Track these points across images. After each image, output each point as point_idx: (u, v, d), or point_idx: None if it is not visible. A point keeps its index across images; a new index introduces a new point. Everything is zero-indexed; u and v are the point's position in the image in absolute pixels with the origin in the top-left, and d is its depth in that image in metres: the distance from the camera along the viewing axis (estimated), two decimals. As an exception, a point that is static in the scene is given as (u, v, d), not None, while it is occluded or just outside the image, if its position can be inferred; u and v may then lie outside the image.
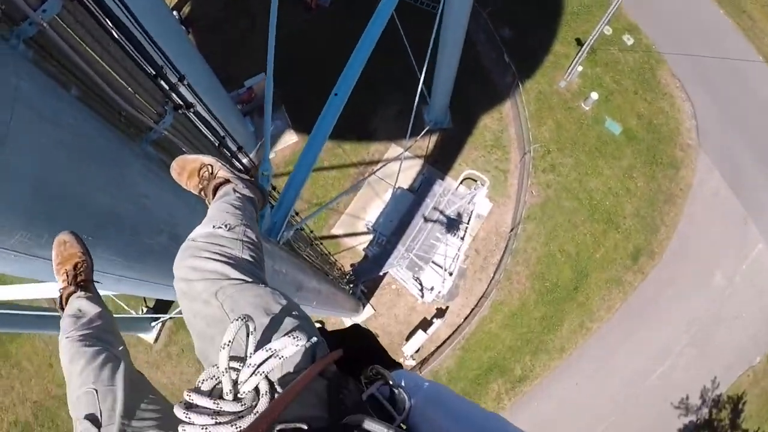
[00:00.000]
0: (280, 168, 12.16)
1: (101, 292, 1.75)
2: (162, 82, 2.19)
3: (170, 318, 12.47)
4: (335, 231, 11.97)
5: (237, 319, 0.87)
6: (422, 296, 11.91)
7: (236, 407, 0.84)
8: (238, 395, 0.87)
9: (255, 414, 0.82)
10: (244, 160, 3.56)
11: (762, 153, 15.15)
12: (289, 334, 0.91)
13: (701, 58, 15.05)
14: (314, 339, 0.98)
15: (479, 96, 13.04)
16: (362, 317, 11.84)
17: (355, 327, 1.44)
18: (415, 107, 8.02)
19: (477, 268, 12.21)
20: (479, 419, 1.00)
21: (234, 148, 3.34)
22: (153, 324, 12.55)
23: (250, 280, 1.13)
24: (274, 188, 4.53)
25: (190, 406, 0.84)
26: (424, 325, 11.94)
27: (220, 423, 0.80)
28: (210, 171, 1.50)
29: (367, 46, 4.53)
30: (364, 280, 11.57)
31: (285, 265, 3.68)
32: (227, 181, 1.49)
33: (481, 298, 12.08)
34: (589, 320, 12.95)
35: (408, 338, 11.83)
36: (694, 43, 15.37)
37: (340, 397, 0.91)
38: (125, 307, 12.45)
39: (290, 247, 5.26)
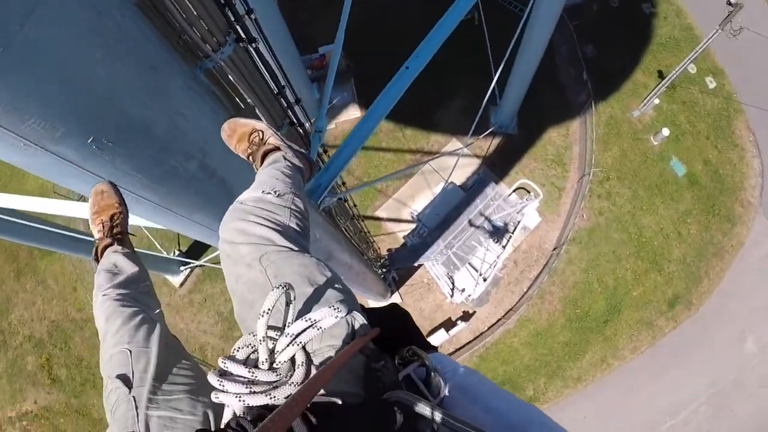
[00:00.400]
0: (338, 140, 12.05)
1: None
2: (229, 12, 2.10)
3: (200, 265, 12.55)
4: (379, 213, 11.85)
5: (278, 287, 0.84)
6: (452, 296, 11.74)
7: (271, 377, 0.82)
8: (274, 365, 0.85)
9: (290, 385, 0.79)
10: (300, 115, 3.42)
11: (826, 227, 14.46)
12: (330, 305, 0.88)
13: (782, 116, 14.38)
14: (355, 314, 0.96)
15: (550, 108, 12.69)
16: (387, 303, 11.72)
17: (394, 306, 1.39)
18: (483, 106, 7.76)
19: (512, 280, 11.96)
20: (512, 411, 0.96)
21: (292, 99, 3.18)
22: (182, 268, 12.67)
23: (296, 248, 1.10)
24: (325, 151, 4.41)
25: (224, 374, 0.81)
26: (448, 325, 11.79)
27: (254, 392, 0.77)
28: (261, 137, 1.45)
29: (448, 26, 4.37)
30: (398, 267, 11.45)
31: (319, 229, 3.61)
32: (277, 148, 1.44)
33: (509, 311, 11.85)
34: (612, 356, 12.61)
35: (429, 335, 11.67)
36: (779, 98, 14.67)
37: (377, 374, 0.89)
38: (158, 246, 12.59)
39: (329, 216, 5.16)
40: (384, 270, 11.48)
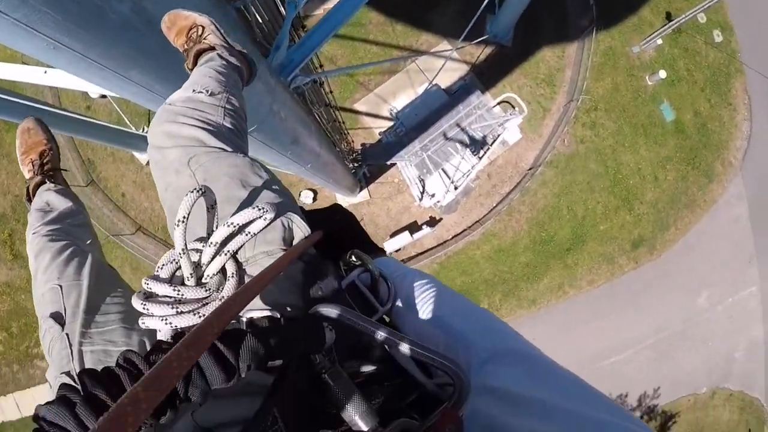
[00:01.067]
0: (327, 23, 11.56)
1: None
2: None
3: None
4: (357, 106, 11.56)
5: (192, 191, 0.75)
6: (421, 199, 11.68)
7: (200, 293, 0.75)
8: (202, 279, 0.78)
9: (221, 300, 0.73)
10: None
11: (800, 196, 14.59)
12: (254, 206, 0.80)
13: (780, 84, 14.15)
14: (291, 215, 0.88)
15: (549, 26, 12.27)
16: (356, 199, 11.66)
17: (336, 207, 1.29)
18: (480, 11, 7.36)
19: (483, 192, 11.92)
20: (463, 314, 0.86)
21: None
22: (151, 143, 12.31)
23: (229, 149, 1.02)
24: (303, 26, 4.09)
25: (149, 296, 0.74)
26: (413, 228, 11.79)
27: (181, 312, 0.71)
28: (199, 33, 1.34)
29: None
30: (370, 163, 11.28)
31: (286, 109, 3.31)
32: (212, 48, 1.34)
33: (476, 223, 11.88)
34: (569, 285, 12.84)
35: (392, 235, 11.69)
36: (782, 65, 14.40)
37: (317, 282, 0.81)
38: (126, 121, 12.18)
39: (302, 99, 4.89)
40: (356, 165, 11.31)
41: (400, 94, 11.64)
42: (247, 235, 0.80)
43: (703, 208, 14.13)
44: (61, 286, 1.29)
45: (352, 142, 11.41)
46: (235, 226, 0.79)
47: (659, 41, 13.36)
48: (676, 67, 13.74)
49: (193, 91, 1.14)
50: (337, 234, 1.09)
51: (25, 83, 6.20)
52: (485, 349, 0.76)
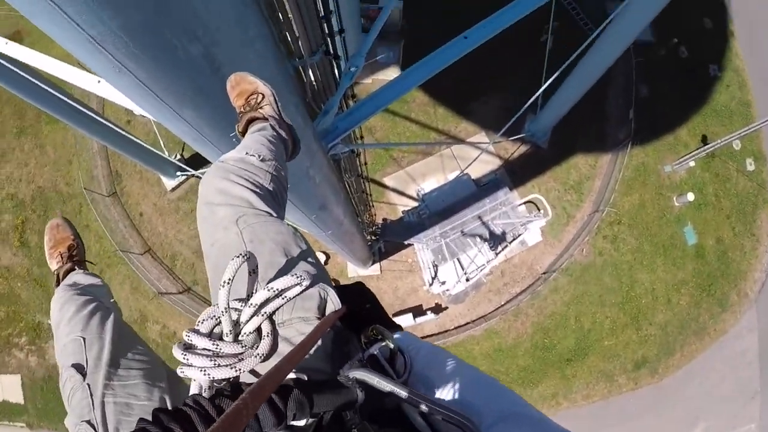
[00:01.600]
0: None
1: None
2: None
3: (195, 175, 12.28)
4: (387, 181, 11.58)
5: (237, 256, 0.83)
6: (431, 285, 11.51)
7: (236, 349, 0.81)
8: (239, 337, 0.84)
9: (256, 356, 0.79)
10: (339, 45, 3.19)
11: (812, 342, 14.27)
12: (293, 274, 0.87)
13: (807, 222, 14.08)
14: (326, 287, 0.95)
15: (587, 134, 12.38)
16: (367, 272, 11.52)
17: (360, 284, 1.40)
18: (522, 111, 7.46)
19: (493, 289, 11.73)
20: (473, 384, 0.94)
21: (336, 28, 2.97)
22: (178, 173, 12.38)
23: (274, 214, 1.10)
24: (353, 96, 4.15)
25: (188, 347, 0.81)
26: (417, 311, 11.59)
27: (219, 365, 0.77)
28: (257, 101, 1.40)
29: (520, 11, 4.17)
30: (388, 240, 11.17)
31: (320, 175, 3.38)
32: (265, 118, 1.41)
33: (480, 318, 11.65)
34: (563, 396, 12.45)
35: (395, 315, 11.46)
36: (812, 203, 14.36)
37: (345, 351, 0.89)
38: (161, 144, 12.27)
39: (336, 165, 4.95)
40: (373, 238, 11.22)
41: (429, 176, 11.66)
42: (284, 299, 0.86)
43: (712, 337, 13.80)
44: (84, 338, 1.33)
45: (375, 215, 11.35)
46: (275, 291, 0.85)
47: (692, 163, 13.41)
48: (705, 191, 13.73)
49: (246, 153, 1.20)
50: (360, 309, 1.15)
51: (76, 85, 6.26)
52: (493, 413, 0.82)
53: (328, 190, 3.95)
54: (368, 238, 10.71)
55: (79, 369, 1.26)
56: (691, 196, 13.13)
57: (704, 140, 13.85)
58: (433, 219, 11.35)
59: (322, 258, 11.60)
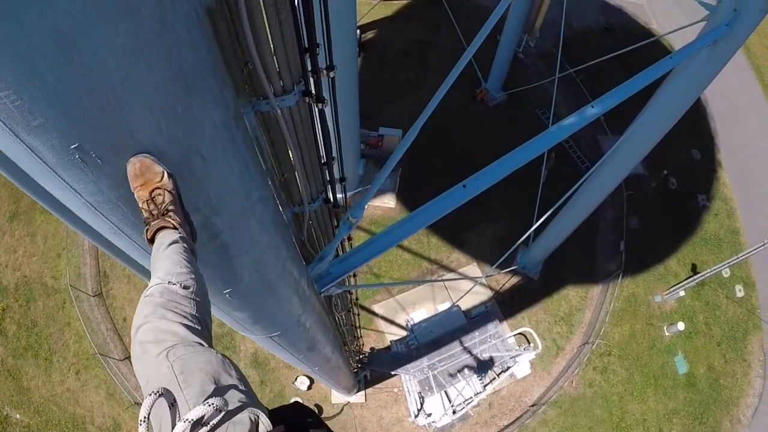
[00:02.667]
0: (364, 222, 12.03)
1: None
2: (308, 59, 1.84)
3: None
4: (376, 308, 11.71)
5: (150, 393, 0.85)
6: (416, 416, 11.40)
7: None
8: None
9: None
10: (339, 195, 3.20)
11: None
12: (206, 402, 0.88)
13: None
14: (257, 411, 0.99)
15: (577, 267, 12.66)
16: (351, 399, 11.40)
17: (296, 404, 1.42)
18: (516, 245, 7.61)
19: (480, 421, 11.61)
20: None
21: (337, 176, 2.96)
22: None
23: (204, 344, 1.13)
24: (350, 239, 4.25)
25: None
26: (401, 444, 11.35)
27: None
28: (162, 200, 1.28)
29: (518, 161, 4.18)
30: (374, 369, 11.13)
31: (312, 320, 3.40)
32: (174, 227, 1.34)
33: (466, 453, 11.42)
34: None
35: (379, 446, 11.25)
36: (801, 333, 14.52)
37: None
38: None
39: (327, 302, 4.93)
40: (359, 366, 11.18)
41: (419, 306, 11.79)
42: (207, 426, 0.85)
43: (706, 469, 13.54)
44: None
45: (363, 345, 11.37)
46: (190, 421, 0.83)
47: (682, 293, 13.66)
48: (695, 320, 13.90)
49: (169, 282, 1.20)
50: (302, 424, 1.16)
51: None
52: None
53: (318, 333, 3.99)
54: (354, 366, 10.68)
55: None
56: (681, 326, 13.28)
57: (694, 269, 14.18)
58: (421, 350, 11.38)
59: (305, 383, 11.54)
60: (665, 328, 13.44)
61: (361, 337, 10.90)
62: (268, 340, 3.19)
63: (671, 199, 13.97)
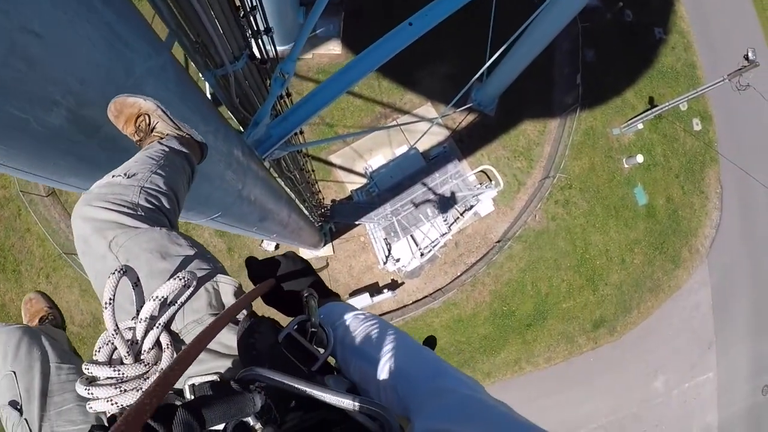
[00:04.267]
0: (311, 72, 11.56)
1: None
2: None
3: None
4: (333, 159, 11.57)
5: (113, 273, 0.81)
6: (385, 263, 11.69)
7: (139, 369, 0.80)
8: (140, 356, 0.83)
9: (160, 371, 0.78)
10: (268, 47, 2.92)
11: (760, 299, 15.27)
12: (176, 277, 0.85)
13: (751, 179, 14.83)
14: (219, 278, 0.94)
15: (534, 101, 12.60)
16: (320, 253, 11.55)
17: (290, 254, 1.39)
18: (470, 83, 7.47)
19: (448, 261, 12.00)
20: (407, 353, 0.92)
21: (261, 27, 2.66)
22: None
23: (144, 227, 1.08)
24: (288, 94, 4.03)
25: (91, 381, 0.78)
26: (373, 289, 11.77)
27: (125, 390, 0.75)
28: (147, 122, 1.33)
29: None
30: (338, 221, 11.20)
31: (257, 190, 3.22)
32: (161, 138, 1.35)
33: (438, 290, 11.93)
34: (525, 361, 12.96)
35: (352, 294, 11.60)
36: (755, 163, 15.18)
37: (250, 341, 0.85)
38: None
39: (277, 164, 4.75)
40: (322, 220, 11.22)
41: (377, 152, 11.70)
42: (175, 305, 0.86)
43: (667, 293, 14.57)
44: (14, 372, 1.32)
45: (323, 199, 11.33)
46: (159, 299, 0.83)
47: (640, 125, 13.89)
48: (654, 152, 14.27)
49: (113, 176, 1.18)
50: (290, 281, 1.15)
51: None
52: (428, 385, 0.81)
53: (268, 202, 3.81)
54: (317, 220, 10.71)
55: (14, 406, 1.27)
56: (640, 158, 13.64)
57: (651, 102, 14.34)
58: (383, 197, 11.45)
59: (272, 244, 11.56)
60: (624, 160, 13.79)
61: (320, 191, 10.83)
62: (212, 221, 2.92)
63: (627, 32, 13.79)
